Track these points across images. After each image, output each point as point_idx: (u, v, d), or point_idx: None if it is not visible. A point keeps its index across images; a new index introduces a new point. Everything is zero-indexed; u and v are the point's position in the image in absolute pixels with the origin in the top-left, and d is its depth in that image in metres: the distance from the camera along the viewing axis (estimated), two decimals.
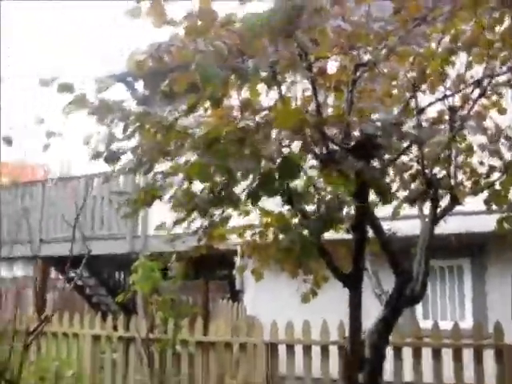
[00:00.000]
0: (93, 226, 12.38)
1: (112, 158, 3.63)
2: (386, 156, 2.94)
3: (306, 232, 2.76)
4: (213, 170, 2.73)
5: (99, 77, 3.86)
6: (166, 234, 4.04)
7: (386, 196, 2.45)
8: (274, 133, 2.66)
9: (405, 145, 2.65)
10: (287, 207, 3.77)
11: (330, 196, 3.32)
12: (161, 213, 4.57)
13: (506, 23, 3.92)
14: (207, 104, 3.19)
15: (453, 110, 4.16)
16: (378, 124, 2.43)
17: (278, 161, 2.58)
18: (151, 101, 3.95)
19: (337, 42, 3.14)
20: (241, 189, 2.85)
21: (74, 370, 7.53)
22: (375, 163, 2.63)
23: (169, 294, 6.71)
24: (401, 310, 3.71)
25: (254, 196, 2.27)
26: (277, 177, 2.18)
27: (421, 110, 3.56)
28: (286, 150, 2.84)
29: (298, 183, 2.97)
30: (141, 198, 3.47)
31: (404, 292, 3.65)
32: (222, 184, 2.45)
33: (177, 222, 3.35)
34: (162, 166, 3.65)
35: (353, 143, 2.62)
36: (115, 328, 7.81)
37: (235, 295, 11.48)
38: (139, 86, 12.34)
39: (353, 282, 3.00)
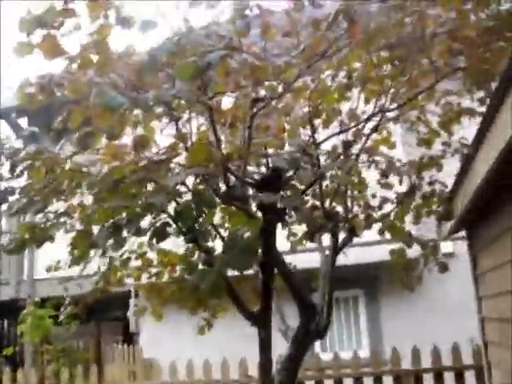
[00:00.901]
0: None
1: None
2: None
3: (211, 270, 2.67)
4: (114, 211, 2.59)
5: None
6: (58, 275, 3.81)
7: (311, 221, 2.42)
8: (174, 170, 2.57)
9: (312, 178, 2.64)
10: (185, 247, 3.67)
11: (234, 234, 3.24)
12: (48, 255, 4.32)
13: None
14: (100, 142, 3.05)
15: (347, 144, 4.25)
16: (287, 157, 2.40)
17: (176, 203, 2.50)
18: (38, 138, 3.74)
19: (237, 75, 3.11)
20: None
21: None
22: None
23: (61, 343, 6.31)
24: (308, 345, 3.67)
25: (160, 233, 2.15)
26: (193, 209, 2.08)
27: (319, 144, 3.59)
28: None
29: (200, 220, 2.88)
30: (30, 237, 3.24)
31: (310, 327, 3.62)
32: (125, 222, 2.30)
33: (73, 262, 3.14)
34: (54, 205, 3.45)
35: (259, 178, 2.57)
36: (0, 383, 7.24)
37: (129, 337, 11.06)
38: (23, 122, 11.81)
39: (263, 322, 2.92)
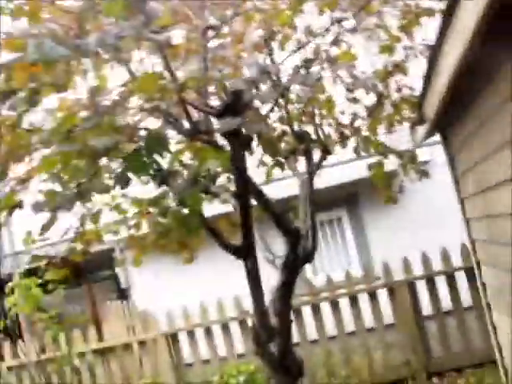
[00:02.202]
0: None
1: None
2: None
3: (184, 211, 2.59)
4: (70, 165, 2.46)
5: None
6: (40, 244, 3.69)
7: (274, 147, 2.31)
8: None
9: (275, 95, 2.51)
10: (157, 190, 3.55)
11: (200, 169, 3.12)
12: (25, 224, 4.16)
13: None
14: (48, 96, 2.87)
15: (307, 61, 4.10)
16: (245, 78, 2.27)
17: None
18: None
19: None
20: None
21: None
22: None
23: (53, 309, 6.25)
24: (298, 270, 3.64)
25: (122, 180, 2.03)
26: (144, 154, 1.95)
27: (278, 64, 3.45)
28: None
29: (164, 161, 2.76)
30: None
31: (297, 251, 3.57)
32: (86, 175, 2.17)
33: (44, 227, 3.00)
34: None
35: (219, 106, 2.44)
36: (2, 357, 7.21)
37: (123, 293, 11.07)
38: None
39: (246, 252, 2.85)
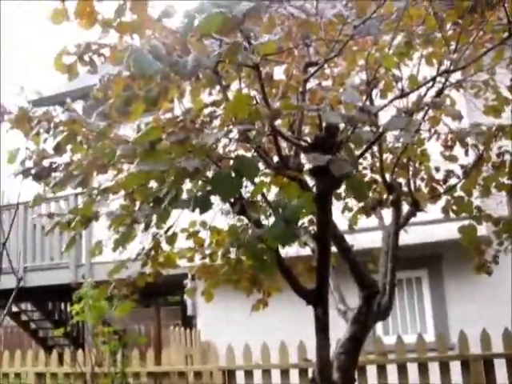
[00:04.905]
0: (34, 256, 11.73)
1: (42, 174, 3.25)
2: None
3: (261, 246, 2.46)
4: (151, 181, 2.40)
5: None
6: (116, 258, 3.66)
7: (362, 191, 2.16)
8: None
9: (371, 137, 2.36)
10: (235, 220, 3.45)
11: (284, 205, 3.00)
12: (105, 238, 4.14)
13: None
14: (140, 110, 2.85)
15: (408, 113, 3.94)
16: (343, 113, 2.14)
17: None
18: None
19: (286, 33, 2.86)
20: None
21: None
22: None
23: (117, 325, 6.26)
24: (370, 326, 3.42)
25: (203, 203, 1.93)
26: (233, 177, 1.85)
27: (377, 111, 3.30)
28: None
29: (249, 191, 2.67)
30: (74, 220, 3.07)
31: (371, 307, 3.36)
32: (168, 195, 2.09)
33: (117, 244, 2.94)
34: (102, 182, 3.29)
35: (311, 140, 2.32)
36: (61, 363, 7.28)
37: (188, 321, 11.05)
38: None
39: (318, 299, 2.68)
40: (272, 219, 2.64)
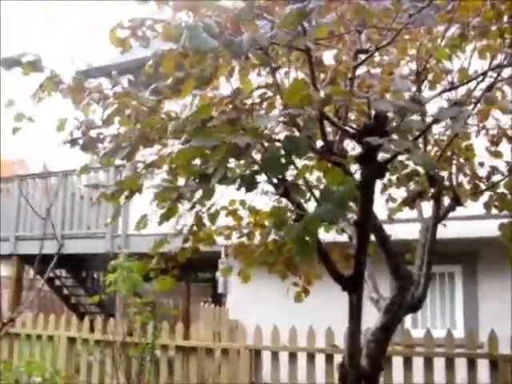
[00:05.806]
0: (72, 224, 11.97)
1: (89, 144, 3.32)
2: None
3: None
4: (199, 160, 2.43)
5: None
6: (153, 232, 3.71)
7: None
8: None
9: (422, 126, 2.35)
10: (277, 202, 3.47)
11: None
12: (143, 211, 4.22)
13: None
14: (191, 89, 2.87)
15: (458, 105, 3.88)
16: (393, 101, 2.13)
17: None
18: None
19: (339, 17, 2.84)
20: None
21: (47, 373, 7.15)
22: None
23: (149, 297, 6.35)
24: (401, 317, 3.43)
25: (249, 181, 1.96)
26: (282, 154, 1.87)
27: (429, 100, 3.27)
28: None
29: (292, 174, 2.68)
30: (118, 191, 3.12)
31: (404, 297, 3.36)
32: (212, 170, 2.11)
33: (162, 219, 2.97)
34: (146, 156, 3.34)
35: (359, 127, 2.32)
36: (92, 330, 7.46)
37: (217, 298, 11.16)
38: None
39: (354, 285, 2.70)
40: (312, 203, 2.66)
